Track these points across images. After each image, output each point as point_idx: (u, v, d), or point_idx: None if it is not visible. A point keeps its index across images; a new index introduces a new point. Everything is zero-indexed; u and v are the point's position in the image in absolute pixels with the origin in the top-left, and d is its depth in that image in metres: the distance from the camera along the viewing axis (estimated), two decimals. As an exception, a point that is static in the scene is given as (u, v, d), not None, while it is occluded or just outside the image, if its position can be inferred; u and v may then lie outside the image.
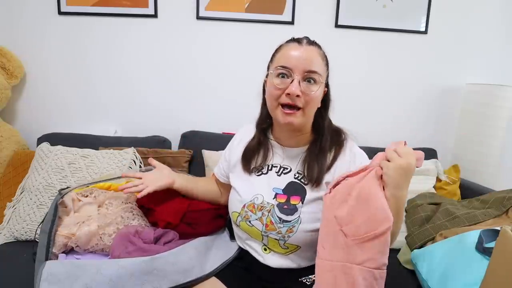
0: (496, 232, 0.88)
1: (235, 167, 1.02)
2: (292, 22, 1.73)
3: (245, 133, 1.05)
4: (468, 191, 1.53)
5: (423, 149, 1.72)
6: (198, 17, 1.71)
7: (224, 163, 1.08)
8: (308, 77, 0.84)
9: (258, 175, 0.96)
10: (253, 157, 0.98)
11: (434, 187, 1.52)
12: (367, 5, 1.73)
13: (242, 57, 1.76)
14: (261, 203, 0.91)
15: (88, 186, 1.10)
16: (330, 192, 0.81)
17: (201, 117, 1.80)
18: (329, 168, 0.91)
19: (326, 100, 0.94)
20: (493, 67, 1.80)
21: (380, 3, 1.73)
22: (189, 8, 1.71)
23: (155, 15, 1.71)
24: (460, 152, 1.79)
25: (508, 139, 1.65)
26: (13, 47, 1.66)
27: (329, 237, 0.77)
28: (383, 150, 1.92)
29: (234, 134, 1.11)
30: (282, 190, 0.91)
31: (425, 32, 1.76)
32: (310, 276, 0.93)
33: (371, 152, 1.65)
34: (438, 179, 1.56)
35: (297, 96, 0.83)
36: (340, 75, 1.78)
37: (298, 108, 0.85)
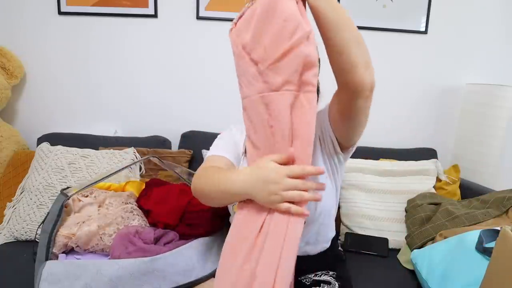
0: (496, 232, 0.88)
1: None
2: (292, 22, 1.73)
3: (236, 128, 1.00)
4: (468, 191, 1.52)
5: (423, 149, 1.74)
6: (198, 17, 1.71)
7: (233, 146, 0.93)
8: None
9: None
10: None
11: (434, 187, 1.52)
12: (367, 5, 1.73)
13: (242, 57, 1.76)
14: None
15: (91, 186, 1.10)
16: (235, 25, 0.70)
17: (201, 117, 1.79)
18: None
19: None
20: (493, 67, 1.80)
21: (380, 3, 1.73)
22: (189, 8, 1.71)
23: (155, 15, 1.71)
24: (460, 152, 1.79)
25: (508, 139, 1.65)
26: (13, 47, 1.66)
27: (243, 74, 0.69)
28: (383, 150, 1.91)
29: None
30: None
31: (425, 32, 1.76)
32: (309, 276, 0.93)
33: (371, 152, 1.66)
34: (438, 179, 1.56)
35: None
36: (340, 75, 1.79)
37: None
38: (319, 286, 0.88)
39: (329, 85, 0.98)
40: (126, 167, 1.20)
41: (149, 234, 1.00)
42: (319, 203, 0.83)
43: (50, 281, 0.82)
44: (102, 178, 1.10)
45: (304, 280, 0.92)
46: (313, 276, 0.92)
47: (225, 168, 0.82)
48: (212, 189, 0.75)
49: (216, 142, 0.97)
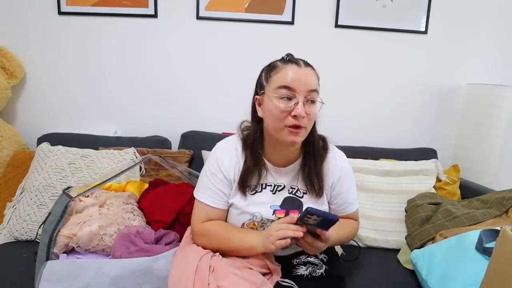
0: (496, 232, 0.88)
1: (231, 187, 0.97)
2: (292, 22, 1.73)
3: (229, 156, 0.97)
4: (468, 191, 1.52)
5: (423, 149, 1.74)
6: (198, 17, 1.71)
7: (220, 184, 0.95)
8: (310, 97, 0.86)
9: (252, 194, 0.95)
10: (249, 179, 0.94)
11: (434, 187, 1.52)
12: (367, 5, 1.73)
13: (242, 57, 1.76)
14: (261, 220, 0.94)
15: (99, 186, 1.10)
16: None
17: (201, 117, 1.80)
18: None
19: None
20: (493, 67, 1.80)
21: (380, 3, 1.73)
22: (189, 8, 1.71)
23: (155, 15, 1.71)
24: (460, 152, 1.79)
25: (508, 139, 1.65)
26: (13, 47, 1.66)
27: None
28: (383, 150, 1.91)
29: (234, 134, 1.05)
30: (280, 206, 0.95)
31: (425, 32, 1.76)
32: (301, 257, 0.97)
33: (371, 152, 1.66)
34: (438, 179, 1.56)
35: (303, 117, 0.84)
36: (339, 75, 1.79)
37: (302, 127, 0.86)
38: (306, 265, 0.93)
39: (337, 92, 0.99)
40: (129, 168, 1.19)
41: (150, 234, 1.00)
42: None
43: (51, 281, 0.82)
44: (106, 180, 1.10)
45: (296, 260, 0.95)
46: (305, 258, 0.96)
47: (231, 229, 0.94)
48: (226, 248, 0.90)
49: (207, 182, 0.95)
